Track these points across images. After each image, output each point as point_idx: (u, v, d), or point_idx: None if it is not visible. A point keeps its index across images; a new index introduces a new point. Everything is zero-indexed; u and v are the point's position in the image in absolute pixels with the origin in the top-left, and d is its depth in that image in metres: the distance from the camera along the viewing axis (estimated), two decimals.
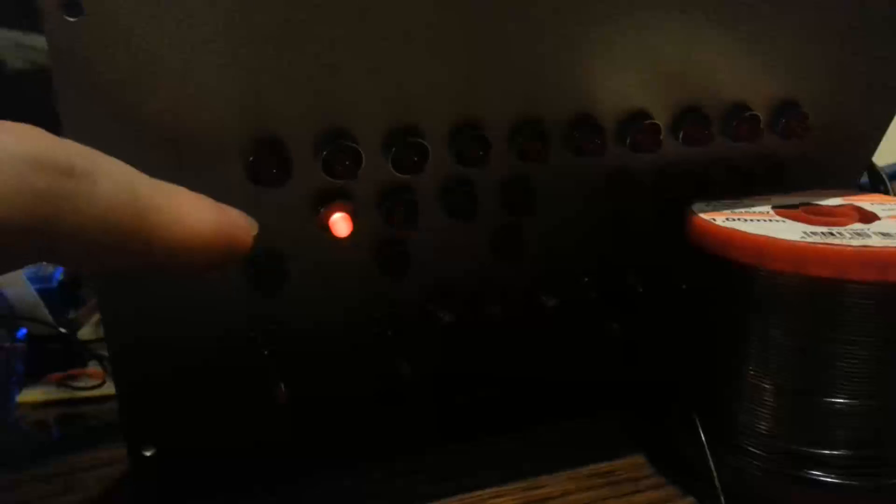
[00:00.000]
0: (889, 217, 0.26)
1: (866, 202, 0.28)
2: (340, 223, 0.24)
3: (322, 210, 0.24)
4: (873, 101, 0.31)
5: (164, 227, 0.17)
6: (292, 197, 0.24)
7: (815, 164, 0.31)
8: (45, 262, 0.36)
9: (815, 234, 0.24)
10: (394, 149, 0.24)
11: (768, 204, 0.28)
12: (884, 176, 0.40)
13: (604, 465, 0.28)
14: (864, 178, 0.41)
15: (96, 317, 0.40)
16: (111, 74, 0.20)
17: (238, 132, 0.22)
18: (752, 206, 0.28)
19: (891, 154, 0.46)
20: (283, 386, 0.26)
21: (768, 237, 0.24)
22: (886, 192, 0.38)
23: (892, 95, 0.31)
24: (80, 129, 0.20)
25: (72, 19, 0.19)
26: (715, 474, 0.25)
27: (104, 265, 0.18)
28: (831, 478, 0.24)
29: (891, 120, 0.32)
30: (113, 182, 0.16)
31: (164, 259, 0.17)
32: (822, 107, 0.29)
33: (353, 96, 0.23)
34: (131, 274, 0.23)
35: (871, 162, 0.38)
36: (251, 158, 0.22)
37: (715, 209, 0.27)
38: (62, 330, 0.37)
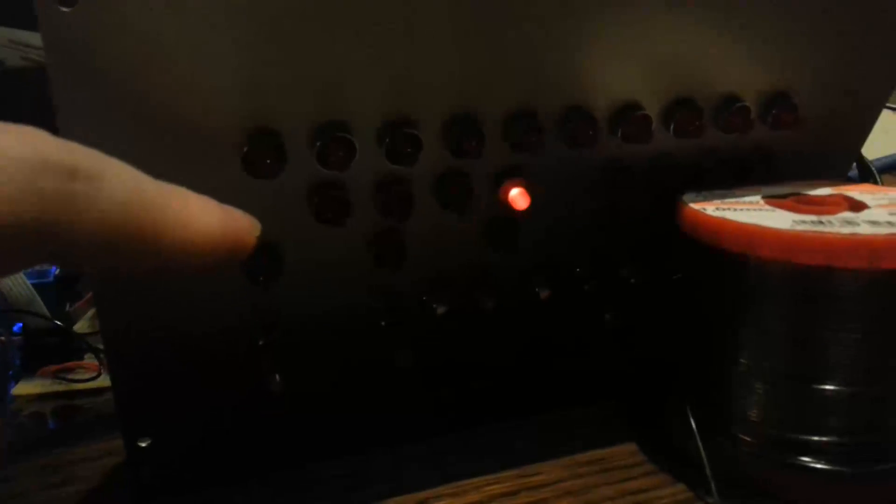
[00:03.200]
0: (878, 206, 0.26)
1: (855, 192, 0.28)
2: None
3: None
4: (863, 93, 0.31)
5: (172, 228, 0.17)
6: (287, 188, 0.24)
7: (804, 155, 0.31)
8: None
9: (804, 222, 0.24)
10: (388, 140, 0.24)
11: (758, 194, 0.28)
12: (873, 168, 0.40)
13: (597, 453, 0.29)
14: (854, 172, 0.41)
15: (92, 311, 0.40)
16: (105, 66, 0.20)
17: (233, 123, 0.22)
18: (743, 196, 0.28)
19: (880, 149, 0.47)
20: (277, 376, 0.27)
21: (758, 226, 0.24)
22: (876, 184, 0.38)
23: (881, 87, 0.31)
24: (74, 121, 0.20)
25: (65, 9, 0.19)
26: (706, 461, 0.26)
27: (110, 267, 0.18)
28: (822, 464, 0.25)
29: (880, 111, 0.32)
30: (119, 184, 0.16)
31: (170, 261, 0.17)
32: (813, 98, 0.30)
33: (348, 88, 0.23)
34: (136, 274, 0.23)
35: (861, 154, 0.38)
36: (245, 149, 0.23)
37: (706, 199, 0.27)
38: (58, 322, 0.37)
